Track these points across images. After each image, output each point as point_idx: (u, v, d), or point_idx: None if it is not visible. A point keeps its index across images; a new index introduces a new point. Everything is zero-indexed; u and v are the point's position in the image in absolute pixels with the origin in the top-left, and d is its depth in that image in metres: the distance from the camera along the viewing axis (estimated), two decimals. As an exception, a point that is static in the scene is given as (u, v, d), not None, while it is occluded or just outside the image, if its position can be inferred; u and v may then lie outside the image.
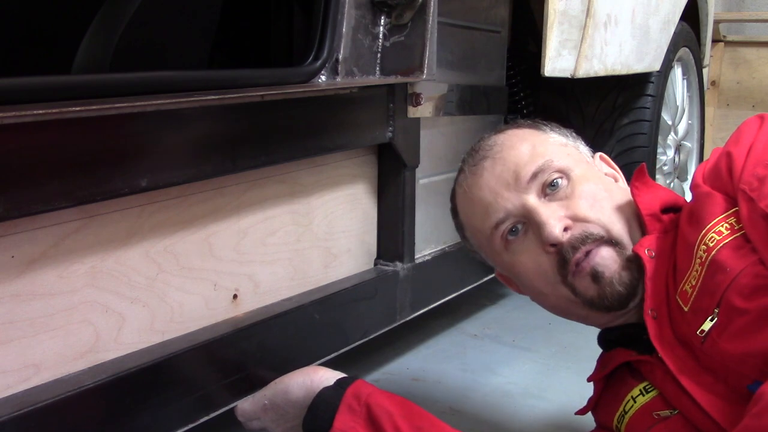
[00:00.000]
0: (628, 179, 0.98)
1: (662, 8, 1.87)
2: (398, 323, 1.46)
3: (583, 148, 1.04)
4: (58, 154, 0.82)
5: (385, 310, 1.42)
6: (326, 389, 0.98)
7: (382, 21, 1.25)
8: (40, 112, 0.75)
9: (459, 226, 1.07)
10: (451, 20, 1.44)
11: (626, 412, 0.93)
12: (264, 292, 1.19)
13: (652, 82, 1.88)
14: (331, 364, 1.10)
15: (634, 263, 0.90)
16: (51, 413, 0.84)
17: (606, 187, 0.96)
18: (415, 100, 1.34)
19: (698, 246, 0.83)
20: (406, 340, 1.76)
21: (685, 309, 0.83)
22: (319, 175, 1.28)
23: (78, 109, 0.80)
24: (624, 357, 0.95)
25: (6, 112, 0.72)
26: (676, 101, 2.24)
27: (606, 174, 1.02)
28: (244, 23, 1.73)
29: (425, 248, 1.54)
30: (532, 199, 0.93)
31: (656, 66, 1.88)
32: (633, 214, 0.94)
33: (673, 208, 0.96)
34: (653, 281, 0.88)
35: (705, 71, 2.56)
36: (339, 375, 1.02)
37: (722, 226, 0.82)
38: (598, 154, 1.05)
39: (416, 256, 1.49)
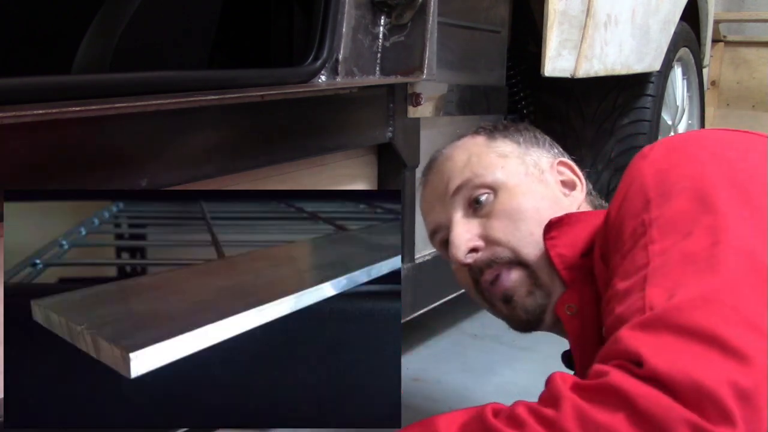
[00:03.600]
0: None
1: (662, 8, 1.87)
2: (398, 323, 1.46)
3: (535, 157, 0.97)
4: (58, 154, 0.82)
5: (385, 310, 1.42)
6: None
7: (382, 21, 1.25)
8: (40, 112, 0.75)
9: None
10: (451, 20, 1.44)
11: None
12: (264, 292, 1.19)
13: (652, 82, 1.88)
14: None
15: (542, 289, 0.89)
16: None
17: (536, 202, 0.91)
18: (415, 100, 1.34)
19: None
20: (406, 340, 1.76)
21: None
22: (319, 175, 1.28)
23: (78, 109, 0.80)
24: None
25: (6, 112, 0.72)
26: (676, 101, 2.24)
27: (563, 182, 0.97)
28: (244, 23, 1.73)
29: (425, 248, 1.54)
30: (456, 215, 0.93)
31: (656, 66, 1.88)
32: None
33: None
34: (577, 343, 0.87)
35: (705, 71, 2.56)
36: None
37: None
38: (558, 160, 0.99)
39: (416, 256, 1.49)
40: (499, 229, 0.90)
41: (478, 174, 0.93)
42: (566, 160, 1.00)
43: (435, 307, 1.59)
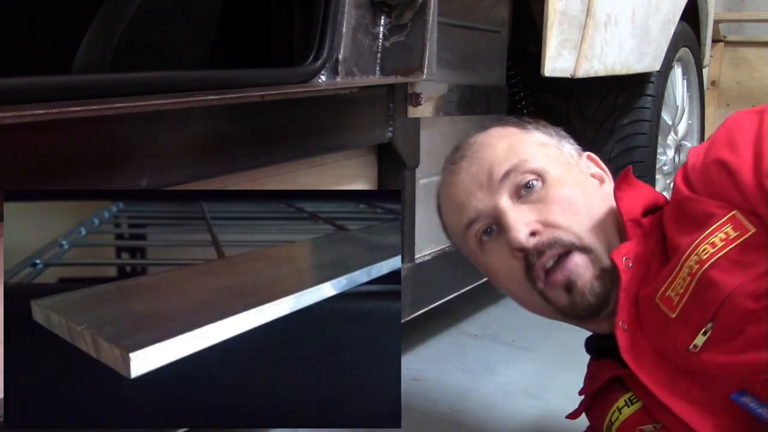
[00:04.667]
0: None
1: (662, 8, 1.87)
2: (398, 323, 1.46)
3: (568, 148, 1.00)
4: (58, 154, 0.82)
5: (385, 310, 1.42)
6: None
7: (382, 21, 1.25)
8: (40, 112, 0.75)
9: (443, 225, 1.06)
10: (451, 20, 1.44)
11: (612, 423, 0.92)
12: (264, 292, 1.19)
13: (652, 82, 1.88)
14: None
15: (608, 272, 0.87)
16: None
17: (584, 190, 0.93)
18: (415, 100, 1.34)
19: (689, 255, 0.80)
20: (406, 340, 1.76)
21: (672, 315, 0.81)
22: (319, 175, 1.28)
23: (78, 109, 0.80)
24: (610, 371, 0.93)
25: (6, 112, 0.72)
26: (676, 101, 2.24)
27: (592, 175, 0.99)
28: (244, 23, 1.73)
29: (425, 248, 1.54)
30: (504, 201, 0.91)
31: (656, 66, 1.88)
32: (612, 219, 0.91)
33: (654, 208, 0.93)
34: (627, 292, 0.85)
35: (705, 71, 2.56)
36: None
37: (716, 236, 0.78)
38: (586, 153, 1.02)
39: (416, 256, 1.49)
40: (559, 214, 0.88)
41: (526, 159, 0.92)
42: (592, 154, 1.02)
43: (435, 307, 1.59)
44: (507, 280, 0.94)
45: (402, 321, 1.47)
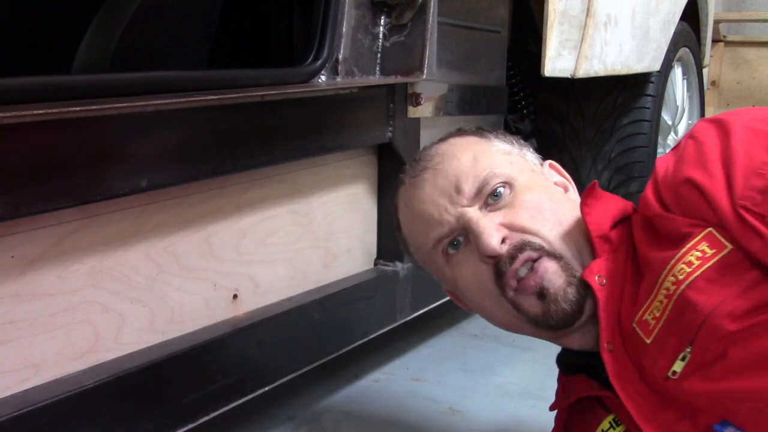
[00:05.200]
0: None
1: (662, 8, 1.87)
2: (398, 323, 1.46)
3: (531, 156, 0.98)
4: (58, 154, 0.82)
5: (385, 310, 1.42)
6: None
7: (382, 21, 1.25)
8: (40, 112, 0.75)
9: (402, 242, 1.01)
10: (451, 20, 1.44)
11: None
12: (264, 292, 1.19)
13: (652, 82, 1.88)
14: (332, 364, 1.09)
15: (580, 281, 0.84)
16: (51, 413, 0.84)
17: (551, 197, 0.90)
18: (415, 100, 1.34)
19: (665, 276, 0.77)
20: (406, 340, 1.76)
21: (647, 341, 0.78)
22: (319, 175, 1.28)
23: (78, 109, 0.80)
24: (584, 390, 0.90)
25: (6, 112, 0.72)
26: (676, 101, 2.24)
27: (556, 183, 0.96)
28: (244, 23, 1.73)
29: (425, 248, 1.54)
30: (472, 211, 0.88)
31: (656, 66, 1.88)
32: (580, 228, 0.88)
33: (623, 218, 0.90)
34: (607, 312, 0.83)
35: (705, 71, 2.56)
36: None
37: (692, 255, 0.75)
38: (548, 162, 0.99)
39: (416, 256, 1.49)
40: (527, 219, 0.86)
41: (493, 170, 0.90)
42: (554, 162, 1.00)
43: (435, 307, 1.59)
44: (476, 292, 0.90)
45: (402, 321, 1.47)
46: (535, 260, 0.84)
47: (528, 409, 1.42)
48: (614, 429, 0.88)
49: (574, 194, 0.96)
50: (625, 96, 1.86)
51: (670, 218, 0.79)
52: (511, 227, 0.86)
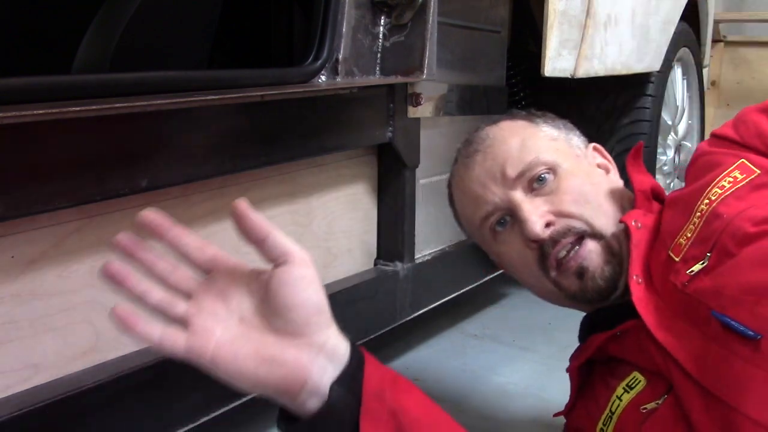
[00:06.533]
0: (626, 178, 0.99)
1: (662, 8, 1.87)
2: (398, 323, 1.46)
3: (576, 140, 1.05)
4: (58, 154, 0.82)
5: (385, 310, 1.42)
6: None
7: (382, 21, 1.25)
8: (40, 112, 0.75)
9: (455, 214, 1.10)
10: (451, 20, 1.44)
11: (613, 413, 0.92)
12: (264, 292, 1.19)
13: (652, 82, 1.88)
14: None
15: (617, 256, 0.92)
16: (51, 413, 0.84)
17: (593, 181, 0.98)
18: (415, 100, 1.34)
19: (701, 202, 0.84)
20: (406, 340, 1.76)
21: (677, 259, 0.84)
22: (319, 175, 1.28)
23: (78, 109, 0.80)
24: (601, 337, 0.93)
25: (6, 112, 0.72)
26: (676, 101, 2.24)
27: (598, 165, 1.04)
28: (244, 23, 1.73)
29: (425, 248, 1.54)
30: (518, 195, 0.95)
31: (656, 66, 1.88)
32: (619, 207, 0.96)
33: (658, 198, 0.98)
34: (639, 249, 0.89)
35: (705, 71, 2.56)
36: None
37: (725, 180, 0.84)
38: (592, 144, 1.07)
39: (416, 256, 1.49)
40: (571, 203, 0.93)
41: (538, 156, 0.97)
42: (597, 145, 1.07)
43: (435, 307, 1.59)
44: (520, 269, 0.98)
45: (402, 321, 1.47)
46: (577, 242, 0.91)
47: (528, 409, 1.42)
48: (628, 392, 0.91)
49: (614, 175, 1.04)
50: (625, 96, 1.87)
51: (710, 152, 0.90)
52: (557, 213, 0.93)
